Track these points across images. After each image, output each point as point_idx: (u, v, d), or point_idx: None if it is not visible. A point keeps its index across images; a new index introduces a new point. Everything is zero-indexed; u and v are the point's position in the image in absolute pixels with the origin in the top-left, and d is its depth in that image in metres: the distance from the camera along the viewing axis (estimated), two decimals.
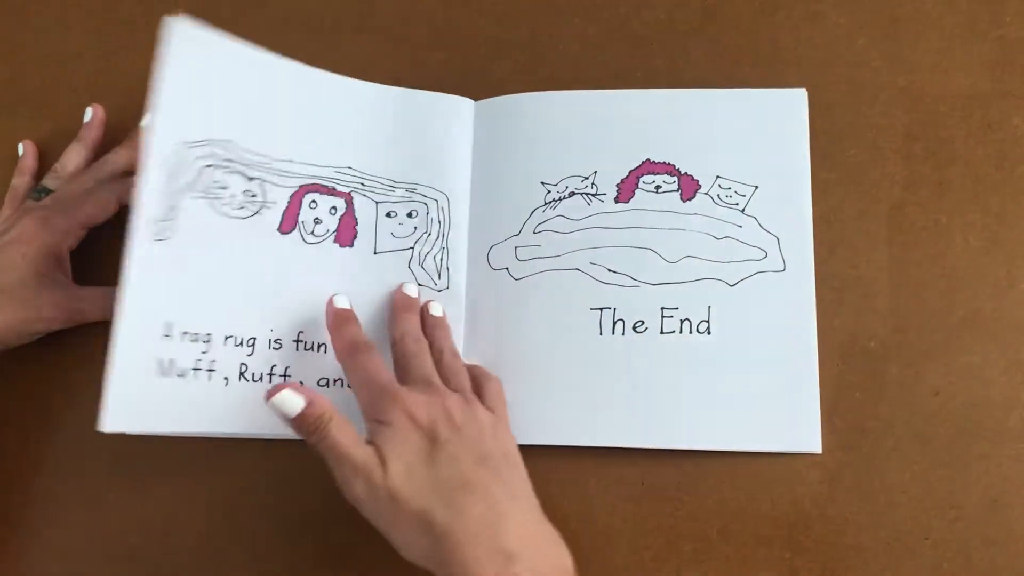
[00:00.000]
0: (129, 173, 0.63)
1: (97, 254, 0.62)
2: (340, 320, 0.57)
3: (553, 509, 0.57)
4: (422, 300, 0.60)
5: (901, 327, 0.58)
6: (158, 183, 0.55)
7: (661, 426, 0.57)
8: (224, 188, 0.58)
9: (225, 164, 0.58)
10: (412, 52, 0.66)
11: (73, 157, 0.64)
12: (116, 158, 0.63)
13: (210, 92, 0.58)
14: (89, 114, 0.65)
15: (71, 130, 0.67)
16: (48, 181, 0.63)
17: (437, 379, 0.54)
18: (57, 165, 0.64)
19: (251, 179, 0.59)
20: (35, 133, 0.67)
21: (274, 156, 0.60)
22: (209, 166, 0.58)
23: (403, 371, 0.55)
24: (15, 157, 0.66)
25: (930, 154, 0.60)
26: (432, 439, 0.49)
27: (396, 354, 0.56)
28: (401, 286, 0.59)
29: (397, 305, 0.59)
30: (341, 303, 0.58)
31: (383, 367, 0.53)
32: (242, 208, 0.58)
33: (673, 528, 0.56)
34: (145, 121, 0.60)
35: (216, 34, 0.58)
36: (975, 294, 0.58)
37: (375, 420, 0.50)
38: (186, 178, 0.57)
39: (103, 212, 0.61)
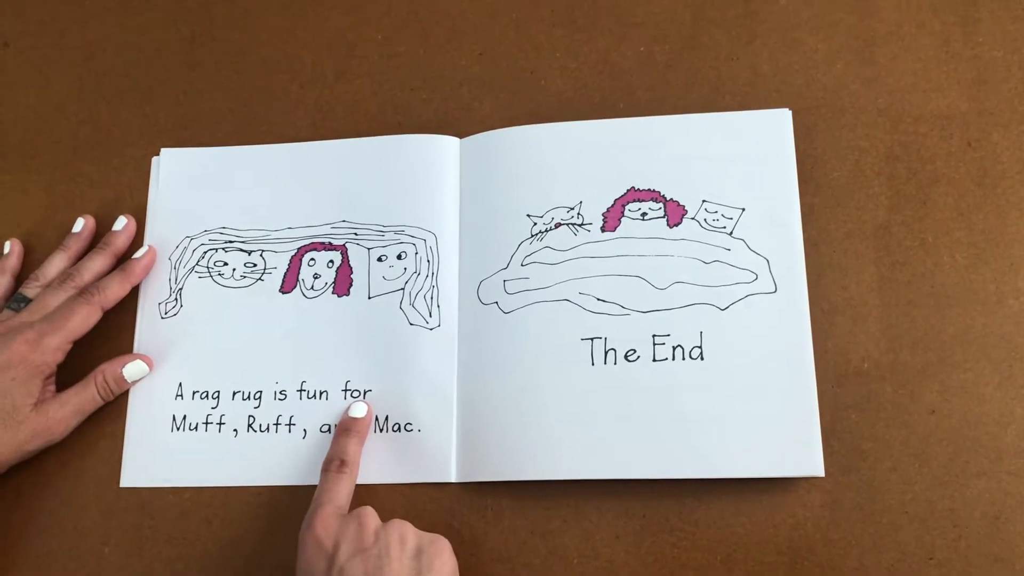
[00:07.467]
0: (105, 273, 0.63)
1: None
2: (341, 429, 0.58)
3: (554, 544, 0.56)
4: (415, 339, 0.60)
5: (893, 347, 0.58)
6: (164, 271, 0.63)
7: (659, 456, 0.56)
8: (225, 264, 0.63)
9: (225, 246, 0.63)
10: (395, 93, 0.67)
11: (55, 266, 0.64)
12: (93, 265, 0.63)
13: (203, 193, 0.65)
14: (80, 225, 0.65)
15: (51, 182, 0.67)
16: (27, 289, 0.62)
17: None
18: (38, 272, 0.63)
19: (250, 253, 0.63)
20: (16, 186, 0.67)
21: (271, 228, 0.64)
22: (210, 250, 0.63)
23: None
24: None
25: (912, 174, 0.61)
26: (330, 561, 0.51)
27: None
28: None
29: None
30: (355, 412, 0.59)
31: (335, 490, 0.55)
32: (243, 278, 0.62)
33: (676, 558, 0.56)
34: (118, 225, 0.64)
35: (200, 149, 0.65)
36: (965, 311, 0.58)
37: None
38: (189, 264, 0.63)
39: (88, 325, 0.60)
